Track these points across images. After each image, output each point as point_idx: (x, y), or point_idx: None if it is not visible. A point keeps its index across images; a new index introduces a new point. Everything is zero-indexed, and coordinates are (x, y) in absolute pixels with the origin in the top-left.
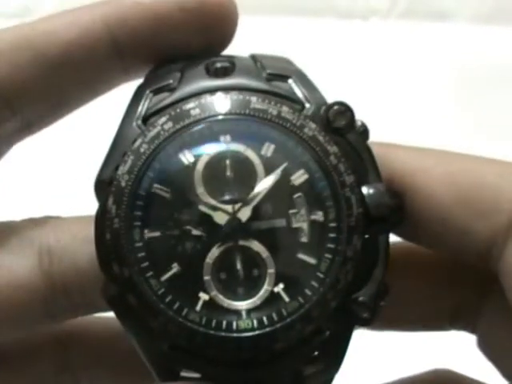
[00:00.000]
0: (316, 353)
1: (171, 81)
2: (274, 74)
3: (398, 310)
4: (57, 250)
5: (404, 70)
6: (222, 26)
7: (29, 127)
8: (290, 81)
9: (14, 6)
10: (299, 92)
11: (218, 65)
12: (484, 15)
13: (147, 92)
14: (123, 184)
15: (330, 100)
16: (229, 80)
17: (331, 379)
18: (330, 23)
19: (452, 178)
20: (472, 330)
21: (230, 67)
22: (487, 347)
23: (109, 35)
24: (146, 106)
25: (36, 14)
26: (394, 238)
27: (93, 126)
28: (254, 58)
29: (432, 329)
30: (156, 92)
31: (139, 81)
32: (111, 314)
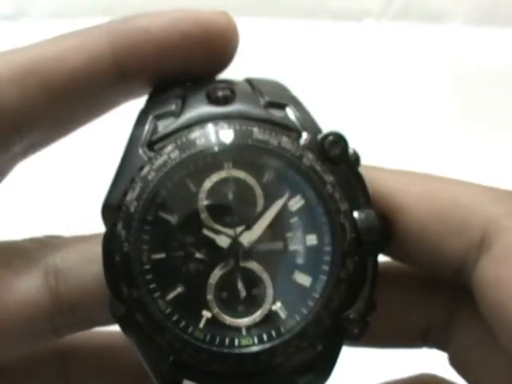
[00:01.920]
0: (308, 366)
1: (173, 107)
2: (272, 103)
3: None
4: (63, 269)
5: (398, 71)
6: (223, 53)
7: (33, 147)
8: (288, 109)
9: (7, 8)
10: (296, 120)
11: (220, 93)
12: (478, 16)
13: (150, 117)
14: (132, 210)
15: (324, 126)
16: (230, 108)
17: None
18: (324, 24)
19: (428, 197)
20: (443, 348)
21: (231, 95)
22: (459, 364)
23: (114, 61)
24: (150, 131)
25: (29, 16)
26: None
27: (92, 146)
28: (250, 83)
29: (404, 346)
30: (159, 117)
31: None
32: (111, 328)
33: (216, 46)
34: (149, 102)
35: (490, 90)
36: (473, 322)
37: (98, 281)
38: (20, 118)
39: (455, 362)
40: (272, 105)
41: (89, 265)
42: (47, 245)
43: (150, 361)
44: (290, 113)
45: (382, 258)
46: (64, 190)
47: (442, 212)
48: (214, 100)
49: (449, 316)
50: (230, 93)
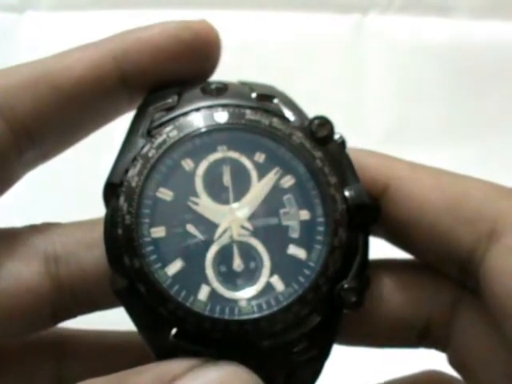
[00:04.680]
0: (308, 341)
1: (170, 100)
2: (262, 95)
3: (367, 325)
4: (63, 255)
5: (403, 64)
6: (211, 54)
7: (45, 155)
8: (276, 100)
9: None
10: (285, 109)
11: (213, 86)
12: (484, 9)
13: (150, 109)
14: (133, 184)
15: (312, 114)
16: (223, 99)
17: (321, 369)
18: (330, 17)
19: (442, 189)
20: (442, 348)
21: (224, 88)
22: (459, 364)
23: (116, 68)
24: (149, 120)
25: (35, 8)
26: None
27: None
28: (242, 82)
29: (401, 346)
30: (157, 109)
31: None
32: (105, 326)
33: (205, 48)
34: (147, 98)
35: (497, 83)
36: (474, 321)
37: (98, 264)
38: (32, 121)
39: (455, 362)
40: (262, 97)
41: (88, 250)
42: (46, 232)
43: (150, 336)
44: (280, 104)
45: (386, 254)
46: (60, 179)
47: (454, 203)
48: (208, 92)
49: (449, 315)
50: (222, 86)
